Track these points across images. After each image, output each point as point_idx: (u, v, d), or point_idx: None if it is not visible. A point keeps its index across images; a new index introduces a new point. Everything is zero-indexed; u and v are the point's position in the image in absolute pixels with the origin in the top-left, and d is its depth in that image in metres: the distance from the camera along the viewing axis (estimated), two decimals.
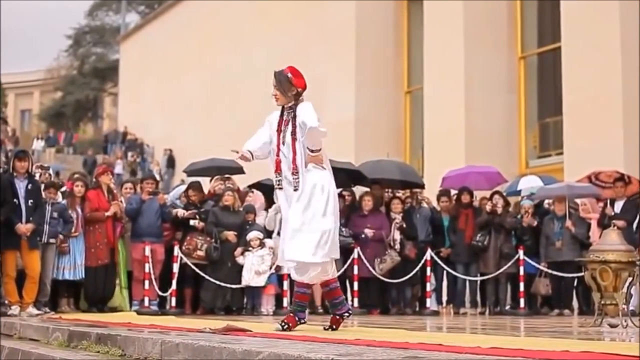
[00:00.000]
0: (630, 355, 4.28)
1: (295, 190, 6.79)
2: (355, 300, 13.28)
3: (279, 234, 9.37)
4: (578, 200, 14.08)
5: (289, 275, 10.08)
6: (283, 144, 6.85)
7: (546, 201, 14.55)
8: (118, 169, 33.94)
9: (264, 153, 7.03)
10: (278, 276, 12.68)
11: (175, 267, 12.41)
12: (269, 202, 13.34)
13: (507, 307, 13.93)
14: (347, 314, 6.99)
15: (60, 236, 11.37)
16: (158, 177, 20.50)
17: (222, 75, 33.64)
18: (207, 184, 14.09)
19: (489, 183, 15.66)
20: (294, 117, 6.83)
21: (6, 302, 10.59)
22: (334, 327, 6.89)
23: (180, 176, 24.49)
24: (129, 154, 38.05)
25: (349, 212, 13.62)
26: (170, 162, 35.94)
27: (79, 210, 11.73)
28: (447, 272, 14.05)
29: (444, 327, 9.48)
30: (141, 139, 39.61)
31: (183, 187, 14.01)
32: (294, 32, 29.73)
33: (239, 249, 12.57)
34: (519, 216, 14.01)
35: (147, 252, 12.11)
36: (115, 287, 12.09)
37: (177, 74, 37.28)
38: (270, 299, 12.73)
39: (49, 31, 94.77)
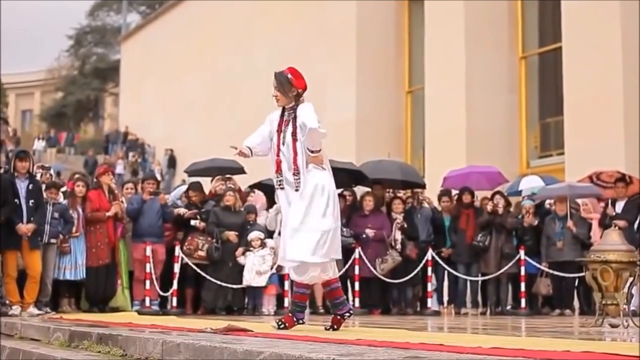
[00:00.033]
0: (631, 355, 4.28)
1: (296, 190, 6.80)
2: (357, 300, 13.28)
3: (280, 234, 9.38)
4: (579, 201, 14.08)
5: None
6: (283, 144, 6.87)
7: (547, 201, 14.54)
8: (119, 169, 33.98)
9: (263, 149, 7.05)
10: (279, 276, 12.68)
11: (177, 267, 12.42)
12: (270, 202, 13.33)
13: (508, 307, 13.94)
14: (348, 314, 6.99)
15: (61, 236, 11.37)
16: (159, 177, 20.52)
17: (223, 76, 33.65)
18: (208, 184, 14.09)
19: (490, 183, 15.66)
20: (295, 117, 6.85)
21: (7, 302, 10.59)
22: (335, 327, 6.90)
23: (182, 176, 24.50)
24: (130, 154, 38.07)
25: (350, 212, 13.63)
26: (172, 162, 35.95)
27: (80, 210, 11.73)
28: (448, 272, 14.05)
29: (445, 327, 9.48)
30: (142, 139, 39.63)
31: (184, 187, 14.01)
32: (294, 32, 29.74)
33: (240, 249, 12.57)
34: (520, 216, 14.00)
35: (148, 252, 12.12)
36: (118, 287, 12.09)
37: (178, 74, 37.30)
38: (271, 299, 12.74)
39: (49, 31, 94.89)
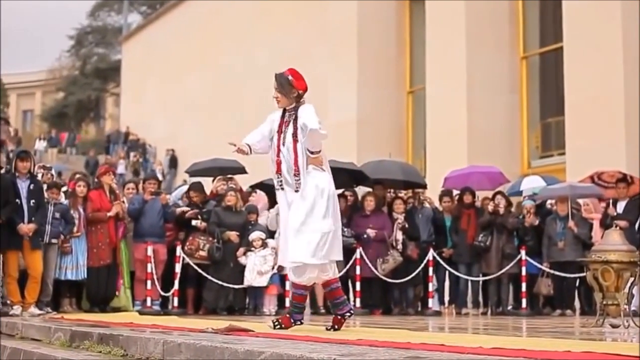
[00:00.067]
0: (632, 355, 4.28)
1: (296, 191, 6.81)
2: (358, 300, 13.28)
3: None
4: (580, 201, 14.07)
5: None
6: (283, 145, 6.88)
7: (548, 201, 14.54)
8: (121, 169, 34.01)
9: (262, 147, 7.06)
10: (280, 276, 12.68)
11: (178, 267, 12.42)
12: (272, 202, 13.32)
13: (509, 308, 13.94)
14: (348, 314, 7.00)
15: (62, 236, 11.38)
16: (160, 177, 20.51)
17: (224, 76, 33.65)
18: (209, 184, 14.09)
19: (491, 183, 15.65)
20: (295, 119, 6.86)
21: (8, 302, 10.60)
22: (336, 327, 6.90)
23: (183, 176, 24.50)
24: (132, 154, 38.07)
25: (351, 213, 13.63)
26: (173, 162, 35.94)
27: (81, 210, 11.73)
28: (450, 272, 14.05)
29: (446, 328, 9.49)
30: (143, 139, 39.62)
31: (185, 188, 14.03)
32: (296, 32, 29.74)
33: (242, 249, 12.58)
34: (521, 216, 14.00)
35: (150, 252, 12.13)
36: (121, 288, 12.10)
37: (179, 74, 37.30)
38: (272, 299, 12.74)
39: (49, 31, 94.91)
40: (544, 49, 23.52)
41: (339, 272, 11.68)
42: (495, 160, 19.25)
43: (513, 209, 14.27)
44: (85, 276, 11.61)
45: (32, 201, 10.66)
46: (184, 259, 12.44)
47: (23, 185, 10.69)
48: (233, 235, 12.61)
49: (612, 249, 8.87)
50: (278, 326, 6.79)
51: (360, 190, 14.35)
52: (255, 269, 12.39)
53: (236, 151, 7.05)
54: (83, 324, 7.98)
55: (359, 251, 13.17)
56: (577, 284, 13.73)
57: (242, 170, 14.71)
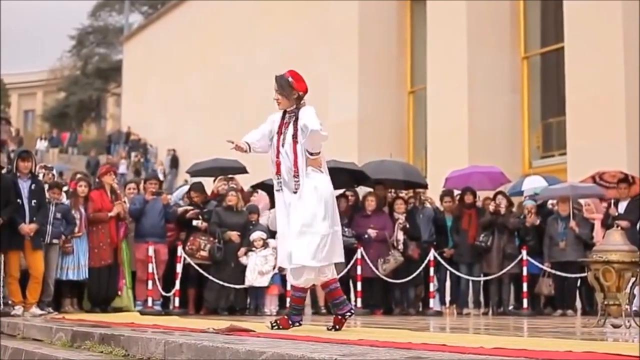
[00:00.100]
0: (633, 355, 4.28)
1: (295, 192, 6.81)
2: (359, 300, 13.28)
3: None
4: (582, 201, 14.07)
5: None
6: (283, 146, 6.89)
7: (550, 201, 14.54)
8: (122, 169, 34.03)
9: (262, 145, 7.07)
10: (281, 276, 12.65)
11: (179, 268, 12.43)
12: (273, 202, 13.27)
13: (510, 308, 13.93)
14: (349, 314, 7.00)
15: (64, 236, 11.38)
16: (162, 177, 20.52)
17: (225, 76, 33.65)
18: (210, 184, 14.09)
19: (492, 183, 15.65)
20: (296, 120, 6.87)
21: (10, 302, 10.61)
22: (337, 327, 6.91)
23: (184, 176, 24.51)
24: (133, 154, 38.07)
25: (352, 213, 13.63)
26: (174, 162, 35.95)
27: (82, 210, 11.74)
28: (451, 272, 14.04)
29: (447, 328, 9.49)
30: (144, 139, 39.62)
31: (186, 188, 14.03)
32: (297, 32, 29.74)
33: (243, 249, 12.58)
34: (522, 216, 13.99)
35: (151, 252, 12.14)
36: (123, 288, 12.11)
37: (180, 74, 37.30)
38: (273, 299, 12.74)
39: (49, 31, 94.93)
40: (545, 49, 23.51)
41: (340, 272, 11.76)
42: (496, 160, 19.25)
43: (514, 209, 14.27)
44: (87, 276, 11.62)
45: (34, 201, 10.68)
46: (185, 259, 12.44)
47: (24, 185, 10.70)
48: (234, 235, 12.61)
49: (614, 249, 8.87)
50: (276, 327, 6.80)
51: (361, 190, 14.35)
52: (256, 269, 12.39)
53: (234, 148, 7.05)
54: (84, 324, 7.99)
55: (360, 251, 13.18)
56: (579, 284, 13.72)
57: (243, 170, 14.72)
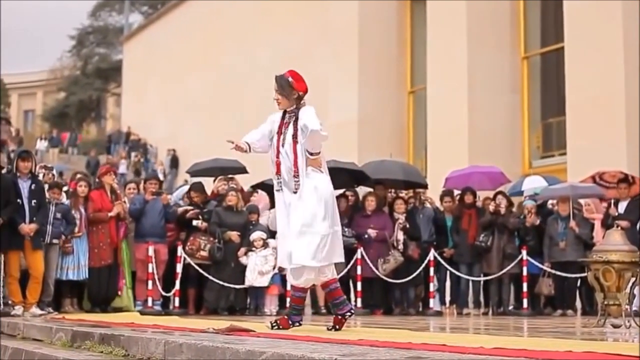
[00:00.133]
0: (633, 355, 4.28)
1: (294, 192, 6.82)
2: (359, 300, 13.28)
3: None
4: (582, 201, 14.07)
5: None
6: (283, 146, 6.89)
7: (550, 201, 14.54)
8: (122, 169, 34.02)
9: (262, 145, 7.08)
10: (281, 276, 12.65)
11: (179, 268, 12.42)
12: (273, 202, 13.29)
13: (510, 308, 13.93)
14: (349, 314, 7.00)
15: (64, 236, 11.39)
16: (162, 177, 20.51)
17: (225, 76, 33.65)
18: (210, 184, 14.09)
19: (492, 183, 15.65)
20: (296, 120, 6.88)
21: (10, 302, 10.61)
22: (337, 327, 6.91)
23: (184, 176, 24.50)
24: (133, 154, 38.06)
25: (352, 213, 13.63)
26: (174, 162, 35.95)
27: (82, 210, 11.74)
28: (451, 272, 14.04)
29: (447, 328, 9.49)
30: (144, 139, 39.63)
31: (186, 188, 14.03)
32: (297, 32, 29.75)
33: (243, 249, 12.58)
34: (522, 216, 13.99)
35: (151, 253, 12.14)
36: (123, 288, 12.11)
37: (180, 74, 37.30)
38: (273, 299, 12.74)
39: (49, 31, 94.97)
40: (545, 49, 23.51)
41: (340, 272, 11.77)
42: (496, 160, 19.25)
43: (514, 209, 14.27)
44: (87, 276, 11.62)
45: (34, 201, 10.68)
46: (185, 259, 12.44)
47: (24, 186, 10.70)
48: (234, 235, 12.61)
49: (614, 249, 8.87)
50: (276, 327, 6.81)
51: (361, 190, 14.35)
52: (256, 269, 12.39)
53: (234, 148, 7.06)
54: (84, 324, 7.99)
55: (360, 251, 13.18)
56: (579, 284, 13.72)
57: (243, 170, 14.71)
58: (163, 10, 42.60)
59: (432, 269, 13.74)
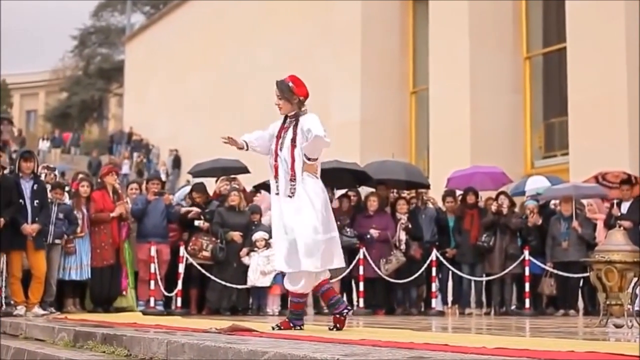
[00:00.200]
0: (635, 355, 4.28)
1: (289, 196, 6.83)
2: (361, 300, 13.29)
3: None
4: (584, 201, 14.07)
5: None
6: (281, 150, 6.92)
7: (552, 201, 14.53)
8: (125, 169, 34.00)
9: (261, 145, 7.12)
10: (283, 276, 12.65)
11: (181, 268, 12.42)
12: None
13: (513, 308, 13.92)
14: (346, 311, 7.02)
15: (66, 236, 11.39)
16: (164, 178, 20.50)
17: (227, 76, 33.66)
18: (212, 184, 14.09)
19: (495, 183, 15.65)
20: (296, 125, 6.91)
21: (12, 302, 10.62)
22: (338, 325, 6.93)
23: (186, 177, 24.50)
24: (135, 154, 38.06)
25: (355, 213, 13.63)
26: (176, 163, 35.95)
27: (85, 210, 11.74)
28: (453, 272, 14.03)
29: (450, 328, 9.49)
30: (146, 140, 39.64)
31: (187, 189, 14.02)
32: (299, 32, 29.75)
33: (245, 250, 12.58)
34: (524, 217, 13.99)
35: (153, 253, 12.14)
36: (127, 288, 12.11)
37: (182, 75, 37.32)
38: (276, 299, 12.73)
39: (49, 31, 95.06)
40: (547, 49, 23.52)
41: (341, 273, 11.78)
42: (499, 160, 19.25)
43: (516, 209, 14.26)
44: (90, 276, 11.63)
45: (36, 201, 10.68)
46: (187, 259, 12.44)
47: (27, 186, 10.71)
48: (236, 235, 12.61)
49: (616, 249, 8.87)
50: (278, 329, 6.80)
51: (364, 190, 14.35)
52: (259, 269, 12.39)
53: (227, 142, 7.07)
54: (86, 324, 8.00)
55: (362, 251, 13.17)
56: (581, 284, 13.72)
57: (244, 170, 14.71)
58: (165, 10, 42.62)
59: (434, 269, 13.74)
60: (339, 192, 13.97)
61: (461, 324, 10.48)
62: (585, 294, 13.82)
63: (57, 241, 11.26)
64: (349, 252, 12.93)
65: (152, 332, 6.54)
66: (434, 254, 13.64)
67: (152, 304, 12.20)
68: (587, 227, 13.55)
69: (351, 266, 12.85)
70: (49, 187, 11.40)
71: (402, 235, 13.49)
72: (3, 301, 10.66)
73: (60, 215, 11.25)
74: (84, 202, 11.78)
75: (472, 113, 22.58)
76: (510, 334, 7.44)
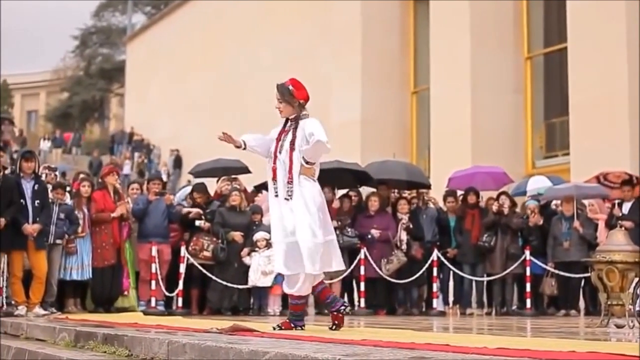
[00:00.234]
0: (636, 355, 4.28)
1: (286, 199, 6.84)
2: (362, 300, 13.29)
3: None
4: (585, 201, 14.07)
5: None
6: (280, 152, 6.93)
7: (553, 202, 14.53)
8: (126, 169, 33.99)
9: (260, 145, 7.15)
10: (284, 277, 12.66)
11: (182, 268, 12.42)
12: None
13: (514, 308, 13.92)
14: (343, 307, 7.06)
15: (67, 236, 11.39)
16: (165, 178, 20.49)
17: (228, 75, 33.67)
18: (213, 184, 14.09)
19: (496, 183, 15.65)
20: (295, 128, 6.93)
21: (13, 302, 10.62)
22: (337, 323, 6.96)
23: (187, 177, 24.50)
24: (136, 154, 38.06)
25: (356, 213, 13.63)
26: (177, 163, 35.94)
27: (86, 210, 11.75)
28: (454, 272, 14.03)
29: (451, 328, 9.49)
30: (147, 140, 39.65)
31: (188, 189, 14.02)
32: (299, 32, 29.75)
33: (246, 250, 12.58)
34: (525, 217, 13.99)
35: (154, 253, 12.14)
36: (129, 288, 12.11)
37: (183, 75, 37.32)
38: (277, 299, 12.72)
39: (49, 32, 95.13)
40: (548, 49, 23.51)
41: (343, 273, 11.77)
42: (500, 160, 19.24)
43: (518, 209, 14.26)
44: (91, 276, 11.63)
45: (37, 201, 10.68)
46: (188, 259, 12.44)
47: (28, 186, 10.71)
48: (237, 235, 12.61)
49: (617, 249, 8.87)
50: (278, 330, 6.81)
51: (365, 190, 14.35)
52: (260, 269, 12.39)
53: (224, 139, 7.07)
54: (87, 324, 8.00)
55: (363, 251, 13.17)
56: (582, 284, 13.72)
57: (245, 170, 14.70)
58: (166, 10, 42.64)
59: (435, 269, 13.74)
60: (340, 192, 13.97)
61: (462, 324, 10.49)
62: (586, 294, 13.82)
63: (58, 241, 11.26)
64: (350, 252, 12.94)
65: (153, 332, 6.54)
66: (435, 254, 13.64)
67: (153, 304, 12.20)
68: (588, 227, 13.54)
69: (352, 266, 12.86)
70: (50, 187, 11.40)
71: (403, 236, 13.49)
72: (4, 301, 10.67)
73: (61, 216, 11.26)
74: (85, 202, 11.79)
75: (473, 113, 22.57)
76: (512, 334, 7.43)
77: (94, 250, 11.71)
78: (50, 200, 11.10)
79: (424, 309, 14.00)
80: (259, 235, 12.54)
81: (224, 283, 12.33)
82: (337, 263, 6.98)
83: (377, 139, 24.87)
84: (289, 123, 7.03)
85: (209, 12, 36.03)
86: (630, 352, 4.42)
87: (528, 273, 13.43)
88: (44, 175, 11.78)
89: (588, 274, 11.15)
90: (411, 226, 13.56)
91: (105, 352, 6.27)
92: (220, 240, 12.51)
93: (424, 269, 13.53)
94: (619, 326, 8.58)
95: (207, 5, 36.16)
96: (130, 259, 12.24)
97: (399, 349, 4.75)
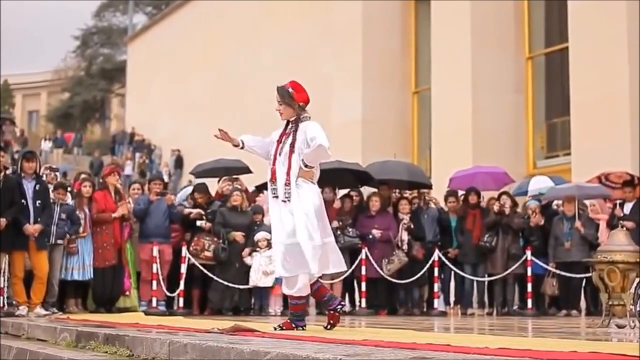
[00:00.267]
0: (637, 356, 4.28)
1: (284, 201, 6.85)
2: (363, 300, 13.29)
3: None
4: (587, 201, 14.06)
5: None
6: (280, 154, 6.94)
7: (555, 202, 14.52)
8: (128, 170, 33.99)
9: (259, 146, 7.18)
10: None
11: (183, 268, 12.43)
12: None
13: (515, 308, 13.92)
14: (340, 306, 7.09)
15: (68, 236, 11.40)
16: (167, 178, 20.49)
17: (228, 76, 33.67)
18: (214, 184, 14.09)
19: (497, 183, 15.65)
20: (296, 130, 6.94)
21: (14, 302, 10.63)
22: (332, 322, 7.01)
23: (188, 177, 24.50)
24: (137, 154, 38.07)
25: (357, 213, 13.63)
26: (178, 163, 35.94)
27: (87, 210, 11.75)
28: (455, 272, 14.04)
29: (452, 328, 9.48)
30: (148, 140, 39.65)
31: (189, 189, 14.02)
32: (300, 32, 29.75)
33: (247, 250, 12.58)
34: (526, 217, 13.98)
35: (155, 253, 12.14)
36: (131, 288, 12.11)
37: (184, 75, 37.33)
38: (278, 300, 12.73)
39: (49, 32, 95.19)
40: (550, 49, 23.49)
41: (344, 273, 11.77)
42: (501, 160, 19.23)
43: (519, 209, 14.26)
44: (92, 276, 11.64)
45: (38, 202, 10.68)
46: (189, 259, 12.44)
47: (29, 186, 10.71)
48: (238, 235, 12.61)
49: (618, 250, 8.87)
50: (280, 330, 6.81)
51: (366, 190, 14.35)
52: (261, 269, 12.39)
53: (221, 137, 7.08)
54: (89, 325, 8.00)
55: (364, 251, 13.17)
56: (583, 284, 13.72)
57: (246, 170, 14.70)
58: (167, 10, 42.65)
59: (436, 269, 13.74)
60: (341, 192, 13.97)
61: (463, 324, 10.48)
62: (587, 294, 13.82)
63: (59, 241, 11.27)
64: (351, 253, 12.95)
65: (155, 332, 6.54)
66: (436, 254, 13.64)
67: (154, 304, 12.20)
68: (589, 227, 13.54)
69: (353, 266, 12.86)
70: (51, 187, 11.41)
71: (405, 236, 13.49)
72: (5, 301, 10.67)
73: (63, 216, 11.26)
74: (86, 202, 11.79)
75: (474, 113, 22.55)
76: (513, 334, 7.43)
77: (95, 250, 11.71)
78: (51, 201, 11.10)
79: (425, 309, 14.00)
80: (260, 236, 12.55)
81: (225, 283, 12.33)
82: (335, 265, 7.00)
83: (378, 139, 24.86)
84: (289, 125, 7.04)
85: (209, 12, 36.04)
86: (631, 352, 4.41)
87: (529, 273, 13.43)
88: (45, 176, 11.79)
89: (589, 274, 11.14)
90: (412, 226, 13.56)
91: (106, 352, 6.27)
92: (221, 241, 12.52)
93: (425, 269, 13.53)
94: (620, 326, 8.57)
95: (208, 6, 36.16)
96: (132, 259, 12.24)
97: (400, 349, 4.75)
